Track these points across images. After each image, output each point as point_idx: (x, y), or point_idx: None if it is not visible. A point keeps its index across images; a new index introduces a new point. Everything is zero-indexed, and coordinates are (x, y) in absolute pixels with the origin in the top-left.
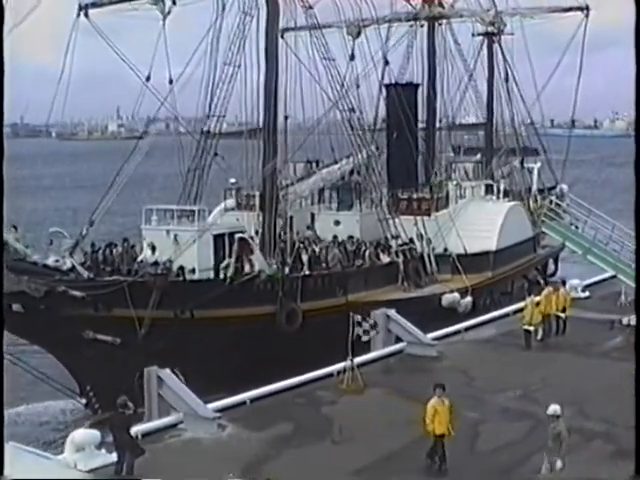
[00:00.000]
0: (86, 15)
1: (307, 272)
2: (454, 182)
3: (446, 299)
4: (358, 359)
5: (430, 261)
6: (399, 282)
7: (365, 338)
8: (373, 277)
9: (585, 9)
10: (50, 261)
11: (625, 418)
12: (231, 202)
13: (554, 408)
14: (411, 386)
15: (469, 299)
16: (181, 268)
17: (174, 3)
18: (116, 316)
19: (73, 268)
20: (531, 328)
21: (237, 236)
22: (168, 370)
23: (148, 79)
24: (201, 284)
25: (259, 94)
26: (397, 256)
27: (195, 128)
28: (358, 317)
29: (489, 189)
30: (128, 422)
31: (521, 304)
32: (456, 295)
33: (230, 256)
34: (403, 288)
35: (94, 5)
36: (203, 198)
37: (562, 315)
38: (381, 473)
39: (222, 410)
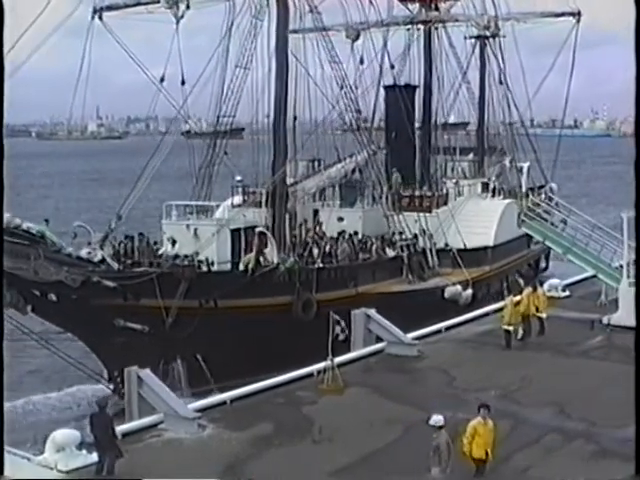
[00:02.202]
0: (100, 18)
1: (320, 265)
2: (453, 180)
3: (449, 291)
4: (338, 359)
5: (432, 255)
6: (404, 275)
7: (342, 337)
8: (380, 270)
9: (577, 14)
10: (83, 253)
11: (605, 417)
12: (238, 199)
13: (435, 419)
14: (391, 386)
15: (470, 291)
16: (206, 260)
17: (188, 7)
18: (144, 305)
19: (103, 260)
20: (510, 328)
21: (257, 230)
22: (148, 370)
23: (162, 80)
24: (225, 275)
25: (270, 95)
26: (402, 250)
27: (176, 128)
28: (336, 317)
29: (485, 187)
30: (109, 422)
31: (500, 304)
32: (458, 287)
33: (247, 249)
34: (408, 280)
35: (109, 8)
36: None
37: (542, 315)
38: (361, 473)
39: (202, 410)
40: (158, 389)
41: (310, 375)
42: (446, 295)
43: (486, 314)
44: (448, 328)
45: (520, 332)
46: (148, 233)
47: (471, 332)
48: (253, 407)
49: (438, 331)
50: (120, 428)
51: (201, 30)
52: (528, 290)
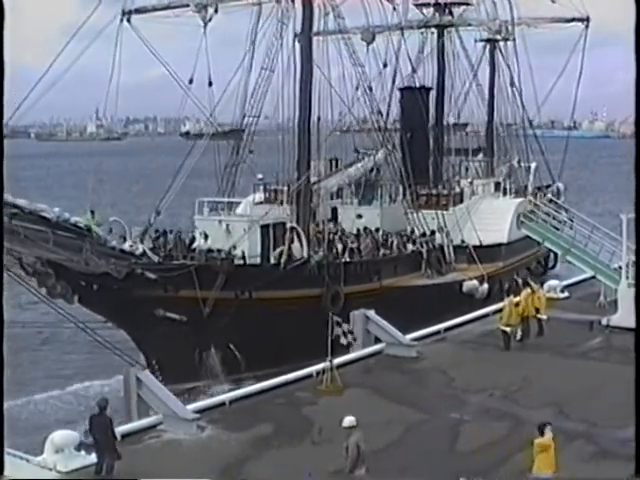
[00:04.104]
0: (128, 21)
1: (347, 259)
2: (469, 180)
3: (466, 285)
4: (337, 360)
5: (449, 251)
6: (422, 270)
7: (343, 341)
8: (401, 265)
9: (586, 20)
10: (126, 246)
11: (605, 418)
12: (259, 196)
13: (348, 420)
14: (391, 387)
15: (486, 286)
16: (242, 254)
17: (216, 11)
18: (183, 296)
19: (144, 253)
20: (508, 329)
21: (289, 226)
22: (147, 371)
23: (191, 82)
24: (259, 268)
25: (295, 96)
26: (421, 246)
27: (174, 129)
28: (338, 318)
29: (497, 187)
30: (108, 424)
31: (500, 304)
32: (475, 282)
33: (276, 244)
34: (426, 275)
35: (137, 11)
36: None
37: (543, 317)
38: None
39: (201, 411)
40: (157, 390)
41: (309, 376)
42: (464, 289)
43: (486, 315)
44: (447, 329)
45: (519, 333)
46: (174, 228)
47: (470, 333)
48: (252, 408)
49: (437, 332)
50: (119, 429)
51: (209, 32)
52: (526, 291)
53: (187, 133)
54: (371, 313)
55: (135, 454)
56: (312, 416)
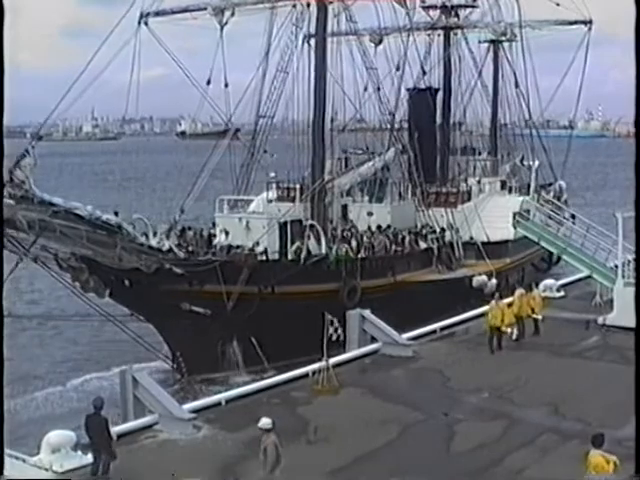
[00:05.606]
0: (146, 23)
1: (363, 255)
2: (476, 178)
3: (476, 280)
4: (333, 359)
5: (458, 247)
6: (433, 265)
7: (334, 337)
8: (414, 260)
9: (589, 22)
10: (153, 242)
11: (600, 417)
12: (272, 193)
13: (264, 422)
14: (386, 386)
15: (494, 281)
16: (265, 250)
17: (233, 14)
18: (207, 291)
19: (171, 249)
20: (508, 330)
21: (309, 223)
22: (145, 373)
23: (208, 83)
24: (281, 264)
25: (304, 96)
26: (432, 243)
27: (170, 128)
28: (330, 316)
29: (503, 185)
30: (104, 423)
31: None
32: (485, 277)
33: (293, 240)
34: (437, 270)
35: (156, 14)
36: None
37: (537, 317)
38: (356, 473)
39: (197, 411)
40: (153, 390)
41: (305, 376)
42: (474, 284)
43: (481, 315)
44: (443, 328)
45: (515, 333)
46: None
47: (466, 332)
48: (248, 408)
49: (433, 331)
50: (115, 429)
51: (205, 32)
52: (520, 291)
53: (183, 133)
54: (367, 313)
55: (131, 454)
56: (308, 416)
